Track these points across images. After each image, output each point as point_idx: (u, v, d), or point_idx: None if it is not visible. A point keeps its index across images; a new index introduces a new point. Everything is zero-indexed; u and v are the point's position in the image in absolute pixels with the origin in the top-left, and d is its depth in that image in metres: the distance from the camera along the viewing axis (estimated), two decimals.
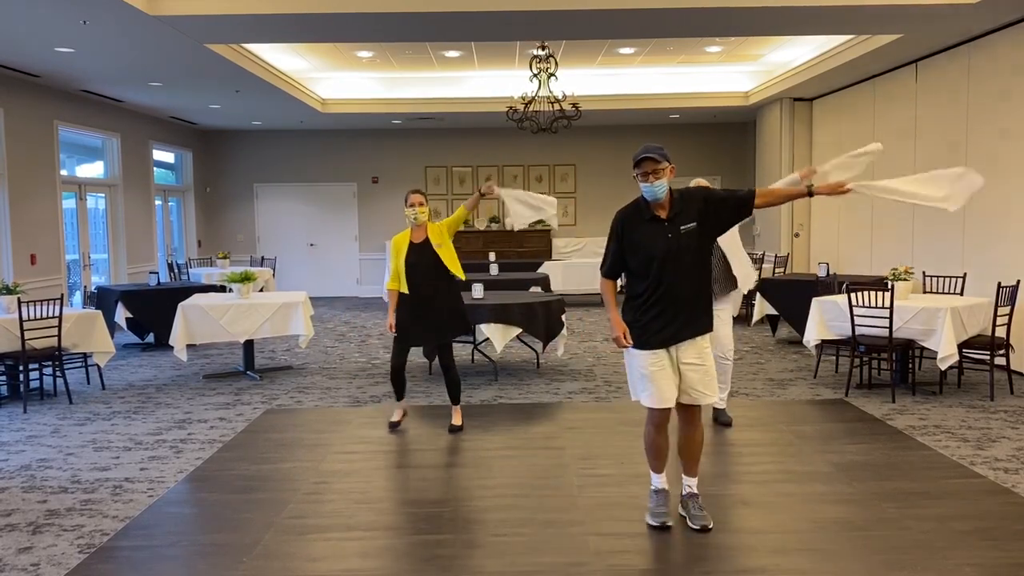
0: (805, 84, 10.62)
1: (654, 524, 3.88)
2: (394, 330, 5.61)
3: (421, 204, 5.54)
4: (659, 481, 3.99)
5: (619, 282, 4.01)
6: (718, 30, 8.07)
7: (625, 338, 3.82)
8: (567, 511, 4.12)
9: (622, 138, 14.32)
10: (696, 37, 8.96)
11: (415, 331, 5.61)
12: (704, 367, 3.82)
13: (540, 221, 14.52)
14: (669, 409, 3.86)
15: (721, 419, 5.77)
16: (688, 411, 3.90)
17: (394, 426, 5.80)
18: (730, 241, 5.45)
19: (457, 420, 5.76)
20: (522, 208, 5.68)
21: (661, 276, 3.72)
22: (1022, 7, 6.84)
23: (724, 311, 5.51)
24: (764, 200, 3.86)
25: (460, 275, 5.60)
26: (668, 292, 3.72)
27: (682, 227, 3.72)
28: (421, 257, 5.52)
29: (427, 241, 5.53)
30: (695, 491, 3.99)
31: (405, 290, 5.56)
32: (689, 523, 3.89)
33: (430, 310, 5.54)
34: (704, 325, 3.82)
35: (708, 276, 3.89)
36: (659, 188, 3.72)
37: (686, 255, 3.71)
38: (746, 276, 5.52)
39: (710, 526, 3.85)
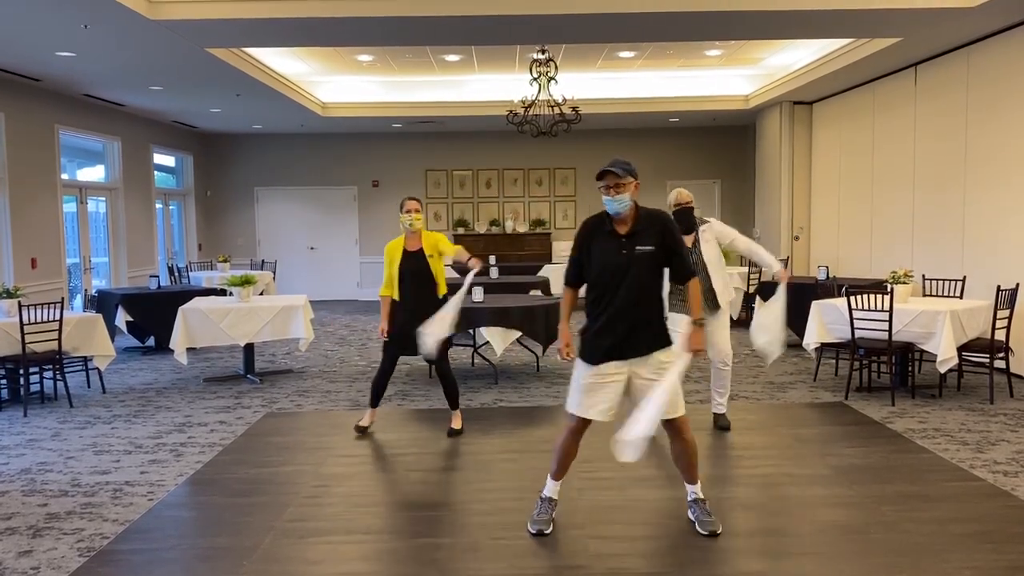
0: (805, 87, 10.63)
1: (531, 531, 3.89)
2: (386, 336, 5.58)
3: (417, 211, 5.52)
4: (551, 489, 3.99)
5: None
6: (718, 34, 8.08)
7: (567, 351, 3.87)
8: (567, 514, 4.11)
9: (622, 141, 14.32)
10: (696, 41, 8.97)
11: (406, 339, 5.50)
12: (657, 382, 3.71)
13: (540, 223, 14.66)
14: (588, 421, 3.84)
15: (720, 423, 5.79)
16: (668, 425, 3.83)
17: (362, 431, 5.73)
18: (715, 257, 5.47)
19: (456, 424, 5.75)
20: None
21: (611, 291, 3.70)
22: (1022, 10, 6.86)
23: (722, 317, 5.54)
24: (685, 293, 3.98)
25: (443, 290, 5.56)
26: (617, 308, 3.68)
27: (638, 247, 3.69)
28: (414, 265, 5.50)
29: (421, 250, 5.51)
30: (700, 496, 3.98)
31: (397, 297, 5.57)
32: (697, 528, 3.89)
33: (419, 318, 5.43)
34: (654, 342, 3.74)
35: (658, 296, 3.82)
36: (620, 203, 3.70)
37: (638, 274, 3.69)
38: (722, 290, 5.49)
39: (718, 531, 3.84)
